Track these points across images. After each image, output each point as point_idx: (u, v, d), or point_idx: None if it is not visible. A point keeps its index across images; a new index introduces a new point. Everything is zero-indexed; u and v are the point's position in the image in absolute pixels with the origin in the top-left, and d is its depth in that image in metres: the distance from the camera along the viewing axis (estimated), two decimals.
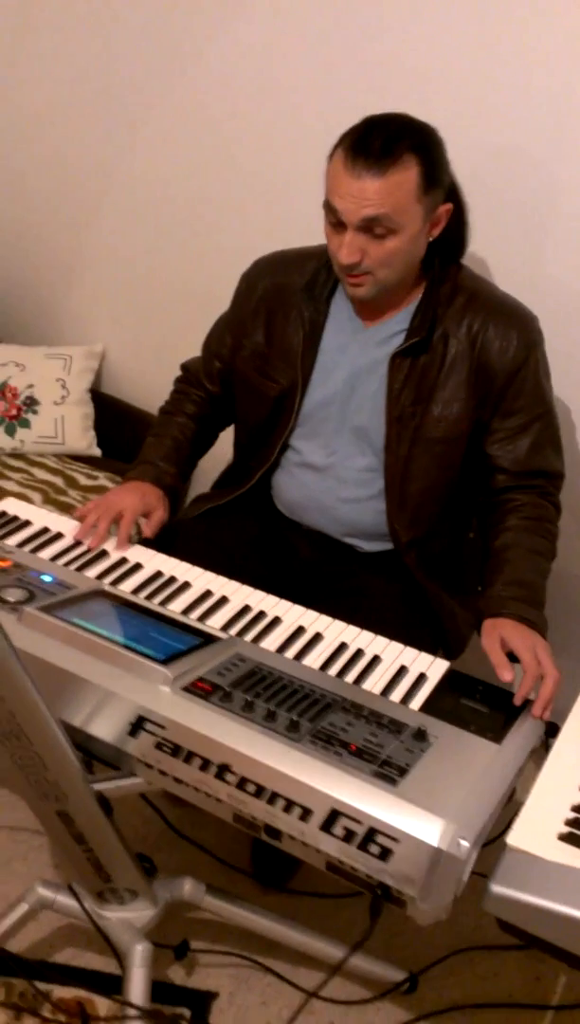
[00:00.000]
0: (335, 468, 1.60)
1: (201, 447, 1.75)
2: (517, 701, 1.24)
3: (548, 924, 0.96)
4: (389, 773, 1.04)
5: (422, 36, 1.69)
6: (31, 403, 2.37)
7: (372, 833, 0.99)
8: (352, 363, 1.55)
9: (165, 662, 1.15)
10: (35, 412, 2.37)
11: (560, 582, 1.66)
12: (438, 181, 1.38)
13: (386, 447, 1.54)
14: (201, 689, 1.14)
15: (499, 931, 0.98)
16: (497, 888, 0.98)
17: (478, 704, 1.22)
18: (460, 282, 1.52)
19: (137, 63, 2.09)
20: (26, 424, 2.35)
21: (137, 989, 1.26)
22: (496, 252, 1.75)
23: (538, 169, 1.67)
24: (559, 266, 1.72)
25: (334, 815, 1.00)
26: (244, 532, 1.66)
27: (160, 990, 1.47)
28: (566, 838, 1.03)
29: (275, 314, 1.59)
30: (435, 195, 1.38)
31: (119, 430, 2.44)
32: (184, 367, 1.76)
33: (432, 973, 1.54)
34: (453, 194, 1.46)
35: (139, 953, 1.28)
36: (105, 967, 1.50)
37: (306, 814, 1.02)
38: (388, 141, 1.32)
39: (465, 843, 0.97)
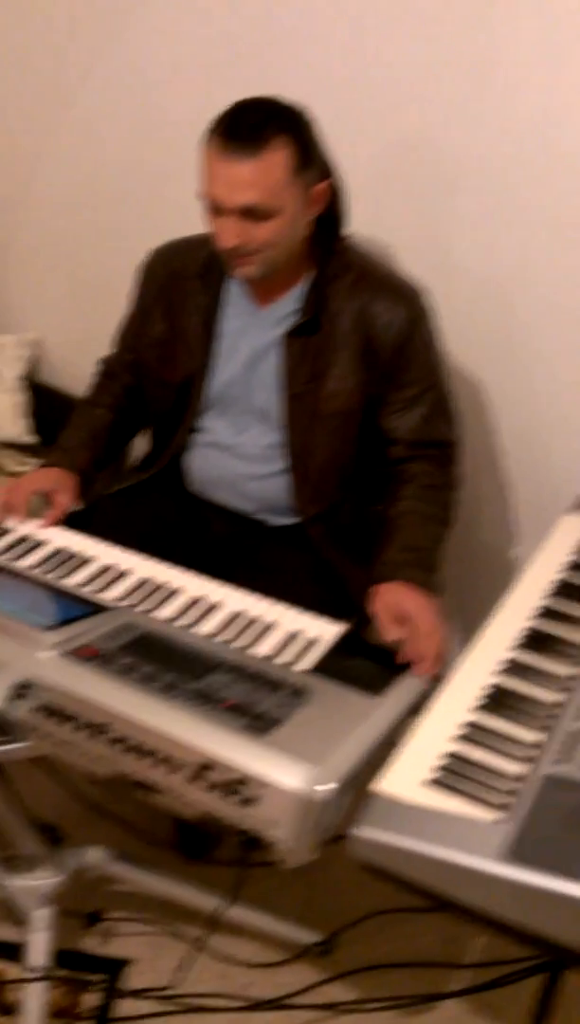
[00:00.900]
0: (242, 446, 1.63)
1: (121, 437, 1.77)
2: (405, 658, 1.27)
3: (406, 863, 0.99)
4: (259, 726, 1.07)
5: (320, 20, 1.72)
6: None
7: (238, 782, 1.01)
8: (250, 345, 1.58)
9: (50, 628, 1.17)
10: None
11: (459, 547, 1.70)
12: (311, 160, 1.40)
13: (287, 424, 1.57)
14: (85, 655, 1.16)
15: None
16: (361, 831, 1.01)
17: (366, 663, 1.25)
18: (348, 260, 1.55)
19: (66, 41, 2.11)
20: None
21: (37, 952, 1.28)
22: (403, 236, 1.79)
23: (443, 155, 1.71)
24: (462, 252, 1.76)
25: (202, 767, 1.03)
26: (158, 511, 1.69)
27: (73, 958, 1.50)
28: (429, 783, 1.06)
29: (173, 302, 1.61)
30: (310, 174, 1.41)
31: (60, 419, 2.46)
32: (102, 361, 1.79)
33: (349, 935, 1.57)
34: (328, 172, 1.48)
35: (39, 918, 1.30)
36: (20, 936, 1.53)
37: (176, 768, 1.05)
38: (258, 124, 1.34)
39: (329, 786, 1.00)
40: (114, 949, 1.55)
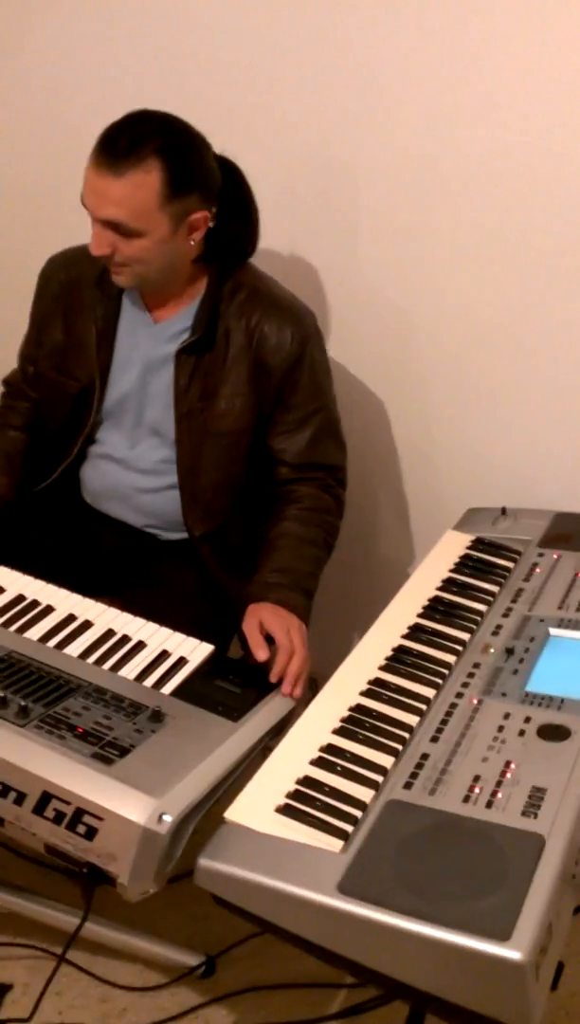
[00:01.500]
0: (134, 459, 1.61)
1: (39, 454, 1.71)
2: (272, 678, 1.27)
3: (250, 896, 0.98)
4: (108, 754, 1.05)
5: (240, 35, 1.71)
6: None
7: (79, 813, 1.00)
8: (143, 358, 1.56)
9: None
10: None
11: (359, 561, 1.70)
12: (188, 187, 1.37)
13: (177, 442, 1.56)
14: None
15: None
16: (204, 861, 1.00)
17: (232, 685, 1.24)
18: (242, 279, 1.54)
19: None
20: None
21: None
22: (318, 257, 1.79)
23: (355, 176, 1.71)
24: (363, 268, 1.76)
25: (46, 797, 1.01)
26: (49, 523, 1.66)
27: None
28: (282, 810, 1.05)
29: (71, 309, 1.58)
30: (185, 202, 1.37)
31: None
32: (5, 382, 1.75)
33: (231, 956, 1.55)
34: (235, 195, 1.47)
35: None
36: None
37: (20, 797, 1.03)
38: (133, 142, 1.32)
39: (168, 818, 0.98)
40: None
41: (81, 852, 1.00)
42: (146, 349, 1.55)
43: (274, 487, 1.58)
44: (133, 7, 1.80)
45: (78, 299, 1.57)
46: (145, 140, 1.32)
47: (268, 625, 1.34)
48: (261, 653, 1.31)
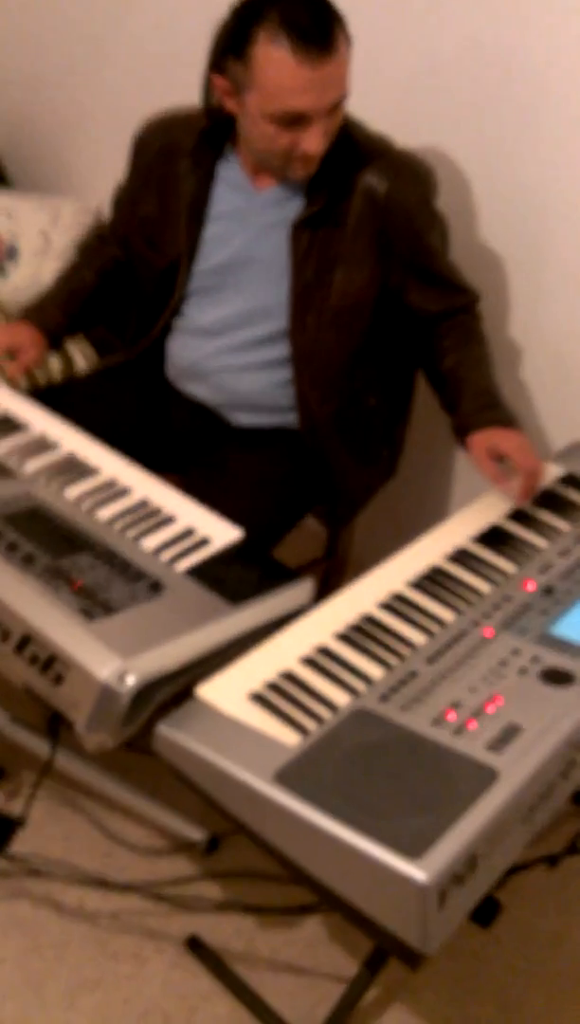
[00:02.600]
0: (225, 334, 1.58)
1: (104, 303, 1.73)
2: (520, 501, 1.38)
3: (196, 769, 0.98)
4: (93, 611, 1.07)
5: None
6: (12, 253, 2.41)
7: (51, 659, 1.02)
8: (247, 229, 1.51)
9: None
10: (15, 262, 2.41)
11: None
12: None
13: (292, 323, 1.51)
14: None
15: None
16: (162, 728, 1.01)
17: (247, 573, 1.22)
18: (353, 137, 1.45)
19: None
20: (4, 272, 2.40)
21: None
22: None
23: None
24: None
25: (26, 639, 1.04)
26: (127, 396, 1.68)
27: None
28: (254, 698, 1.04)
29: (164, 180, 1.55)
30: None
31: None
32: (98, 227, 1.76)
33: (237, 840, 1.58)
34: None
35: None
36: None
37: (6, 635, 1.06)
38: (321, 22, 1.27)
39: (130, 680, 0.99)
40: (13, 807, 1.61)
41: (48, 696, 1.03)
42: (250, 220, 1.50)
43: (421, 331, 1.57)
44: None
45: (172, 169, 1.53)
46: (324, 12, 1.28)
47: (503, 448, 1.40)
48: (509, 486, 1.39)
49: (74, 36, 2.36)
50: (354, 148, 1.44)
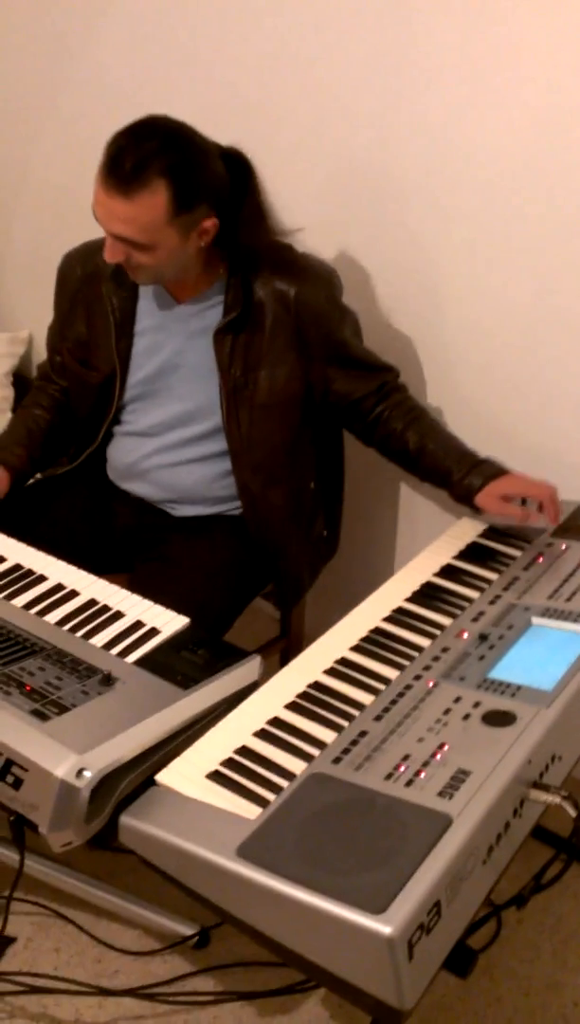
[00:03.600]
0: (162, 435, 1.65)
1: (61, 434, 1.78)
2: (556, 523, 1.54)
3: (160, 854, 1.00)
4: (47, 711, 1.09)
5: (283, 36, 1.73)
6: None
7: (9, 763, 1.04)
8: (173, 338, 1.60)
9: None
10: None
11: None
12: (194, 200, 1.39)
13: (226, 419, 1.59)
14: None
15: None
16: (124, 819, 1.03)
17: (197, 657, 1.25)
18: (261, 250, 1.56)
19: (48, 45, 2.17)
20: None
21: None
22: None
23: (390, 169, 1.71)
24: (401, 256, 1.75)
25: None
26: (70, 502, 1.73)
27: None
28: (213, 776, 1.07)
29: (90, 303, 1.64)
30: (193, 214, 1.40)
31: None
32: (39, 366, 1.83)
33: (226, 930, 1.57)
34: (244, 186, 1.49)
35: None
36: None
37: None
38: (138, 164, 1.33)
39: (87, 774, 1.01)
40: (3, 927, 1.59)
41: (8, 801, 1.05)
42: (175, 330, 1.59)
43: (364, 420, 1.67)
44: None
45: (96, 292, 1.62)
46: (150, 161, 1.34)
47: (516, 491, 1.53)
48: (538, 519, 1.52)
49: None
50: (261, 258, 1.55)
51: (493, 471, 1.57)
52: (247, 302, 1.54)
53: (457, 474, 1.59)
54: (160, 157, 1.35)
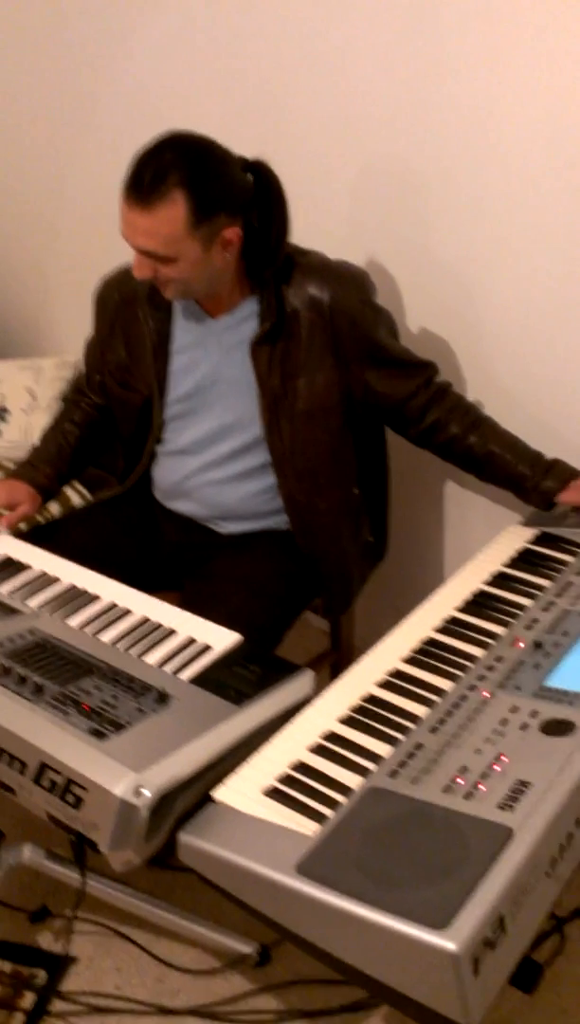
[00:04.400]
0: (204, 451, 1.67)
1: (92, 450, 1.83)
2: None
3: (220, 871, 1.00)
4: (105, 729, 1.10)
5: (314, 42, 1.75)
6: (2, 414, 2.53)
7: (69, 783, 1.05)
8: (210, 355, 1.61)
9: None
10: (5, 420, 2.53)
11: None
12: (213, 210, 1.40)
13: (267, 429, 1.61)
14: None
15: None
16: (182, 836, 1.03)
17: (249, 672, 1.26)
18: (291, 259, 1.57)
19: (79, 66, 2.21)
20: None
21: None
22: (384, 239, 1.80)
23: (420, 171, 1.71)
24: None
25: (42, 767, 1.07)
26: (119, 525, 1.76)
27: (20, 952, 1.57)
28: (270, 792, 1.06)
29: (128, 326, 1.66)
30: (213, 224, 1.41)
31: None
32: (72, 380, 1.86)
33: (287, 947, 1.57)
34: (269, 196, 1.49)
35: None
36: None
37: (23, 767, 1.09)
38: (156, 178, 1.36)
39: (146, 792, 1.02)
40: (62, 946, 1.60)
41: (69, 820, 1.05)
42: (212, 345, 1.61)
43: (418, 424, 1.66)
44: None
45: (133, 315, 1.65)
46: (167, 174, 1.37)
47: None
48: None
49: (27, 228, 2.57)
50: (294, 267, 1.56)
51: (567, 473, 1.59)
52: (281, 312, 1.55)
53: (531, 480, 1.60)
54: (177, 169, 1.38)
